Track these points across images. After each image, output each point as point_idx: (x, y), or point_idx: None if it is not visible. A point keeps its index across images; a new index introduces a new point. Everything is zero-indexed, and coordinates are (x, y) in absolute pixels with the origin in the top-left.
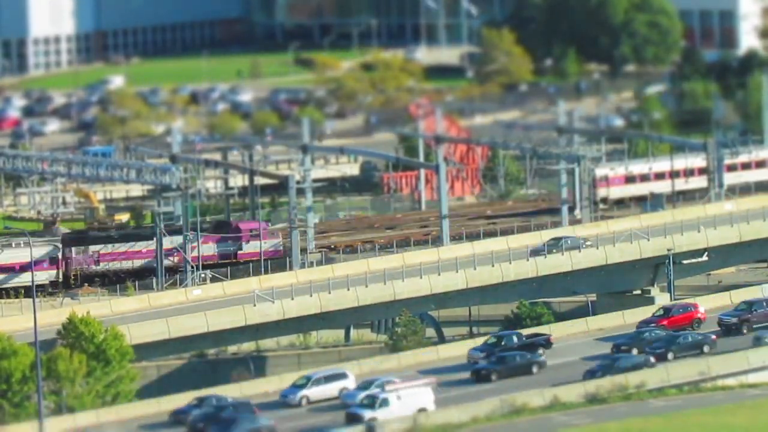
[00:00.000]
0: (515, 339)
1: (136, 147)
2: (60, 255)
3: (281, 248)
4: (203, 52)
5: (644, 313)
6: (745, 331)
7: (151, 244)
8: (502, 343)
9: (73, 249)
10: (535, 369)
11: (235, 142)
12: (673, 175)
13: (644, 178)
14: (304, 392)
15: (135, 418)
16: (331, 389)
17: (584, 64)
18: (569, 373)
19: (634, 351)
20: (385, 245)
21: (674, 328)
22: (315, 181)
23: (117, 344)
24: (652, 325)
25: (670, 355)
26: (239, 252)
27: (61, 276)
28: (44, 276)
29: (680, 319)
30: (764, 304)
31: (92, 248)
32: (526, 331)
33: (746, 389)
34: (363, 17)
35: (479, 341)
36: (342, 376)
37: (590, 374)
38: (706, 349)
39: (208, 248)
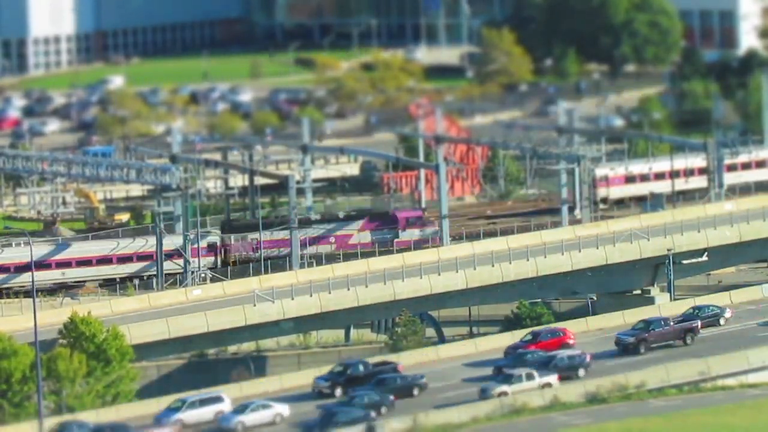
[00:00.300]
0: (361, 368)
1: (136, 147)
2: (219, 242)
3: (437, 236)
4: (203, 52)
5: (643, 313)
6: (642, 350)
7: (311, 232)
8: (348, 372)
9: (232, 236)
10: (416, 391)
11: (235, 142)
12: (673, 175)
13: (644, 178)
14: (179, 416)
15: (134, 418)
16: (207, 413)
17: (584, 64)
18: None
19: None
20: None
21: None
22: (315, 181)
23: (117, 344)
24: (520, 350)
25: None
26: (396, 240)
27: (219, 263)
28: (202, 262)
29: (549, 344)
30: (662, 323)
31: (251, 235)
32: (373, 360)
33: (746, 389)
34: (363, 17)
35: (325, 370)
36: (218, 399)
37: (307, 429)
38: (415, 391)
39: (364, 236)
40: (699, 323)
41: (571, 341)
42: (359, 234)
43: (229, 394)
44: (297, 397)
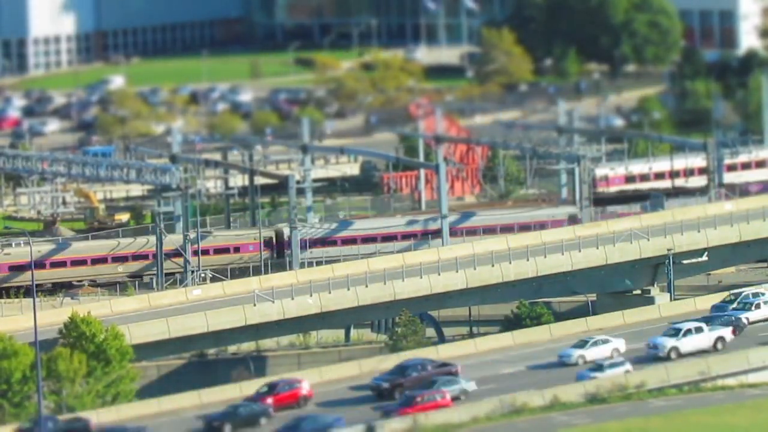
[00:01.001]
0: (51, 425)
1: (136, 147)
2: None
3: None
4: (203, 52)
5: (641, 313)
6: (397, 396)
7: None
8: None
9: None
10: None
11: (235, 142)
12: (673, 175)
13: (644, 178)
14: None
15: (134, 418)
16: None
17: (584, 64)
18: None
19: (228, 428)
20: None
21: (280, 406)
22: (315, 181)
23: (117, 344)
24: (255, 402)
25: None
26: None
27: None
28: None
29: (286, 397)
30: (419, 367)
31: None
32: (64, 417)
33: (746, 389)
34: (363, 17)
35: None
36: None
37: None
38: None
39: None
40: (459, 367)
41: (307, 393)
42: None
43: (228, 394)
44: None
